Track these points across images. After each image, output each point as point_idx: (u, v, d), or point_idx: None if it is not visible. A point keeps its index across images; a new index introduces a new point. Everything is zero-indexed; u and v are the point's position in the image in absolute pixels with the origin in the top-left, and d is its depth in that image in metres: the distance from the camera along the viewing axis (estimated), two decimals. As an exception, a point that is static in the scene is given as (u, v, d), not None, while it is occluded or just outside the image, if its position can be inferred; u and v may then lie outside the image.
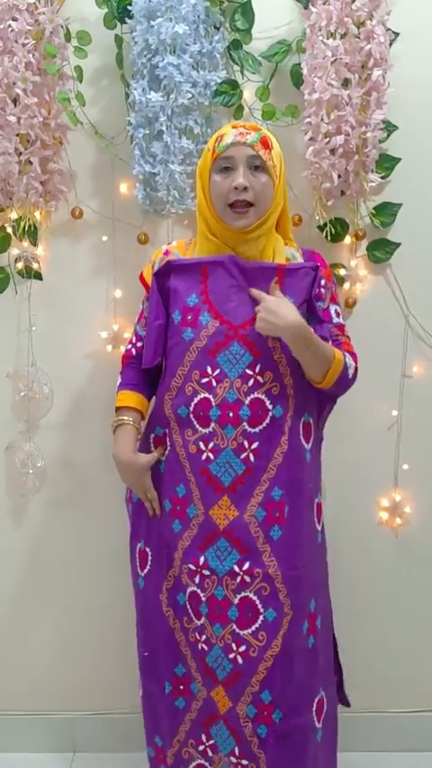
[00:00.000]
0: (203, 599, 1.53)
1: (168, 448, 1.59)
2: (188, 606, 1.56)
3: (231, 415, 1.50)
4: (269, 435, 1.51)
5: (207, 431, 1.52)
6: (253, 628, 1.49)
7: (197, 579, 1.53)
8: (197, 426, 1.53)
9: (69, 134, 1.80)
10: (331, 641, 1.67)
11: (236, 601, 1.50)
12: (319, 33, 1.67)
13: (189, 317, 1.55)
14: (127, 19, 1.73)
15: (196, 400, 1.52)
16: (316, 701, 1.56)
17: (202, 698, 1.57)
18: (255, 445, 1.50)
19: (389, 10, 1.68)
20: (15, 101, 1.68)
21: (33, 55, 1.65)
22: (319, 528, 1.62)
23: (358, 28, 1.66)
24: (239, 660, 1.50)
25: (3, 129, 1.69)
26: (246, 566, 1.49)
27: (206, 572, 1.52)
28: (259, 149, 1.50)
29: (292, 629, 1.50)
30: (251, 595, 1.50)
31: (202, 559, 1.52)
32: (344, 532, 1.92)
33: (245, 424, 1.50)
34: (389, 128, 1.81)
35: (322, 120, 1.68)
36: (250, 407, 1.50)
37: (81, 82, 1.78)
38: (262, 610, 1.49)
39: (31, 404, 1.92)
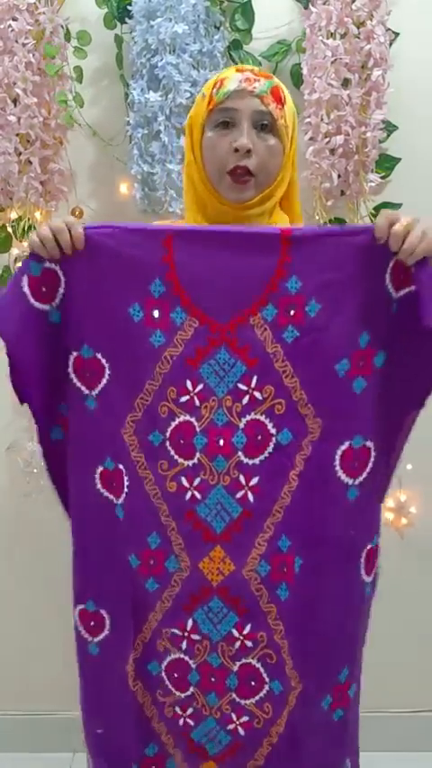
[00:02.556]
0: (193, 666, 1.22)
1: (126, 490, 1.20)
2: (165, 677, 1.24)
3: (222, 442, 1.15)
4: (273, 468, 1.16)
5: (190, 463, 1.17)
6: (257, 697, 1.21)
7: (183, 645, 1.22)
8: (176, 458, 1.18)
9: (69, 134, 1.80)
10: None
11: (235, 668, 1.20)
12: (319, 33, 1.67)
13: (155, 314, 1.15)
14: (127, 19, 1.74)
15: (174, 424, 1.17)
16: None
17: None
18: (254, 481, 1.15)
19: (389, 10, 1.68)
20: (15, 101, 1.68)
21: (33, 55, 1.66)
22: (369, 579, 1.24)
23: (358, 28, 1.65)
24: (240, 731, 1.22)
25: (3, 129, 1.69)
26: (247, 629, 1.18)
27: (196, 636, 1.21)
28: (270, 103, 1.18)
29: (303, 705, 1.20)
30: (254, 662, 1.20)
31: (189, 623, 1.20)
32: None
33: (240, 453, 1.15)
34: (389, 128, 1.81)
35: (322, 120, 1.68)
36: (246, 432, 1.15)
37: (81, 82, 1.78)
38: (267, 680, 1.20)
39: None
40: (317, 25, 1.67)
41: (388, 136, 1.81)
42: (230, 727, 1.22)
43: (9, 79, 1.66)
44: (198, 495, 1.17)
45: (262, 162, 1.17)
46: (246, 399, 1.15)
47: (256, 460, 1.16)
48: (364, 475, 1.16)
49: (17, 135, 1.69)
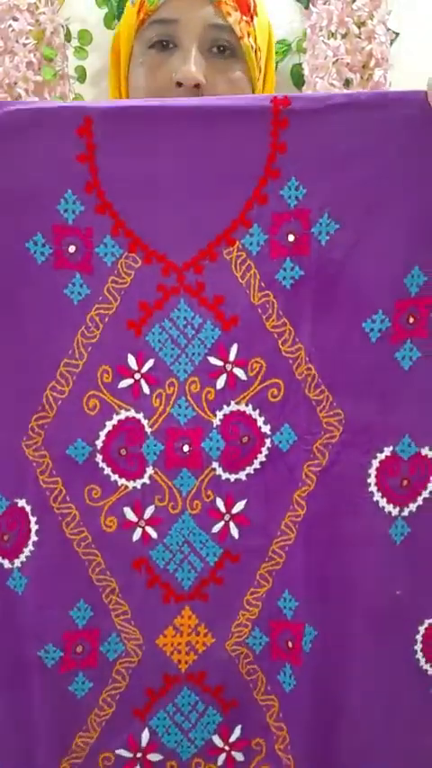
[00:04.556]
0: None
1: (32, 541, 0.75)
2: None
3: (187, 449, 0.75)
4: (268, 487, 0.76)
5: (138, 484, 0.76)
6: None
7: None
8: (114, 478, 0.76)
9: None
10: None
11: None
12: (320, 33, 1.67)
13: (71, 249, 0.71)
14: (127, 19, 1.74)
15: (110, 426, 0.75)
16: None
17: None
18: (239, 507, 0.76)
19: (389, 10, 1.69)
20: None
21: (34, 55, 1.66)
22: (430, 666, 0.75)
23: (359, 28, 1.66)
24: None
25: (3, 130, 1.69)
26: (235, 734, 0.76)
27: (155, 757, 0.76)
28: (230, 13, 0.80)
29: None
30: None
31: (144, 736, 0.76)
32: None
33: (215, 465, 0.75)
34: (389, 127, 1.81)
35: (324, 119, 1.68)
36: (224, 432, 0.75)
37: (83, 83, 1.79)
38: None
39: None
40: (317, 25, 1.68)
41: (388, 136, 1.82)
42: None
43: (10, 79, 1.66)
44: (152, 533, 0.76)
45: None
46: (222, 381, 0.75)
47: (242, 475, 0.75)
48: (420, 501, 0.73)
49: (18, 135, 1.69)
